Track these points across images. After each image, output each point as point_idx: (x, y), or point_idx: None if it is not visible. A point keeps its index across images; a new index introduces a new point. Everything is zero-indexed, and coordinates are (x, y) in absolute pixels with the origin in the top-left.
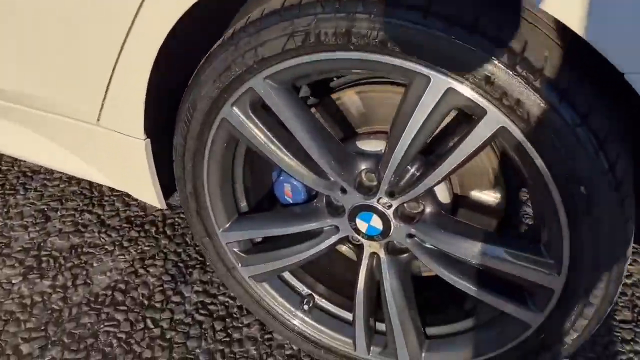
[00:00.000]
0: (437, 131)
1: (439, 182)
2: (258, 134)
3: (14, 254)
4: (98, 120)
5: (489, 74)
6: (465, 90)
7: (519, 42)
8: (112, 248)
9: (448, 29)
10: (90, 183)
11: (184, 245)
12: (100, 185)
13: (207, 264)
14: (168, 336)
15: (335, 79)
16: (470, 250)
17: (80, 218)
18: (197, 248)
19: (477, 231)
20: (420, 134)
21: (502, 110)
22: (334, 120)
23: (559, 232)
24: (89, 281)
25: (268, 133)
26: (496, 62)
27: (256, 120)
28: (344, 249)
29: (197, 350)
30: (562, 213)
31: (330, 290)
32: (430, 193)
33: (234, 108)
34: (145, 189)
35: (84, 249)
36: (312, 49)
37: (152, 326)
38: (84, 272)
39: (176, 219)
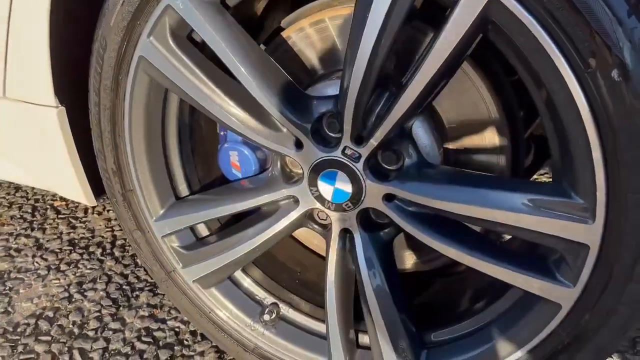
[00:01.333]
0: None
1: (415, 110)
2: (184, 72)
3: None
4: (4, 93)
5: None
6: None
7: None
8: (46, 272)
9: None
10: (34, 208)
11: (132, 267)
12: (45, 209)
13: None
14: None
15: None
16: (475, 204)
17: (13, 242)
18: None
19: (481, 178)
20: (382, 38)
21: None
22: (288, 65)
23: (589, 159)
24: (10, 309)
25: (197, 70)
26: None
27: (180, 54)
28: (315, 243)
29: None
30: (592, 129)
31: (301, 299)
32: (407, 138)
33: (152, 39)
34: (64, 173)
35: (12, 275)
36: None
37: (79, 359)
38: (6, 300)
39: (127, 240)
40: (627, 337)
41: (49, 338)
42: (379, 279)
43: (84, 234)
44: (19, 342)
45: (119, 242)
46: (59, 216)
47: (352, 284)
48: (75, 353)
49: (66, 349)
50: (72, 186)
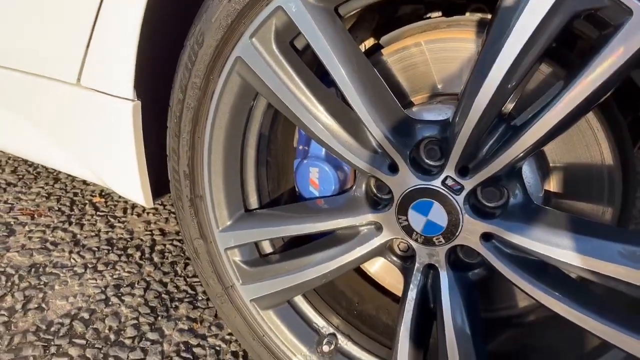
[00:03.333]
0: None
1: (534, 150)
2: (283, 78)
3: None
4: (78, 80)
5: None
6: None
7: None
8: (83, 271)
9: None
10: (72, 201)
11: (172, 275)
12: (83, 204)
13: (199, 298)
14: None
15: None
16: (585, 252)
17: (50, 235)
18: (188, 280)
19: (591, 225)
20: (511, 75)
21: None
22: (392, 80)
23: None
24: (44, 306)
25: (296, 78)
26: None
27: (281, 59)
28: (379, 275)
29: None
30: None
31: (359, 332)
32: (516, 176)
33: (254, 40)
34: (128, 171)
35: (47, 269)
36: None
37: None
38: (40, 295)
39: (167, 246)
40: None
41: (83, 342)
42: (461, 323)
43: (122, 234)
44: (52, 343)
45: (158, 248)
46: (98, 213)
47: (429, 327)
48: None
49: (101, 355)
50: (133, 185)
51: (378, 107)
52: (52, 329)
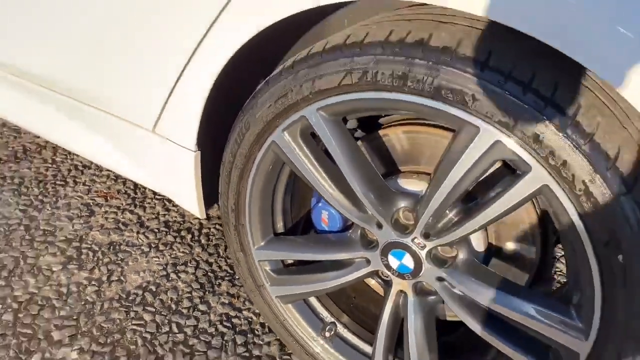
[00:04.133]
0: (479, 180)
1: (475, 231)
2: (304, 160)
3: (57, 242)
4: (154, 128)
5: (539, 133)
6: (513, 145)
7: (573, 104)
8: (148, 249)
9: (503, 84)
10: (135, 185)
11: (215, 256)
12: (144, 188)
13: (237, 277)
14: (190, 343)
15: (384, 115)
16: (499, 302)
17: (121, 216)
18: (228, 261)
19: (508, 284)
20: (463, 180)
21: (547, 169)
22: (379, 155)
23: (592, 298)
24: (123, 279)
25: (313, 160)
26: (547, 122)
27: (304, 147)
28: (372, 282)
29: None
30: (597, 279)
31: (354, 321)
32: (465, 240)
33: (285, 133)
34: (189, 198)
35: (122, 247)
36: (368, 87)
37: (176, 331)
38: (119, 270)
39: (212, 229)
40: None
41: (153, 309)
42: (419, 330)
43: (176, 217)
44: (131, 309)
45: (204, 231)
46: (156, 196)
47: (398, 326)
48: (174, 326)
49: (166, 321)
50: (191, 203)
51: (368, 185)
52: (130, 297)
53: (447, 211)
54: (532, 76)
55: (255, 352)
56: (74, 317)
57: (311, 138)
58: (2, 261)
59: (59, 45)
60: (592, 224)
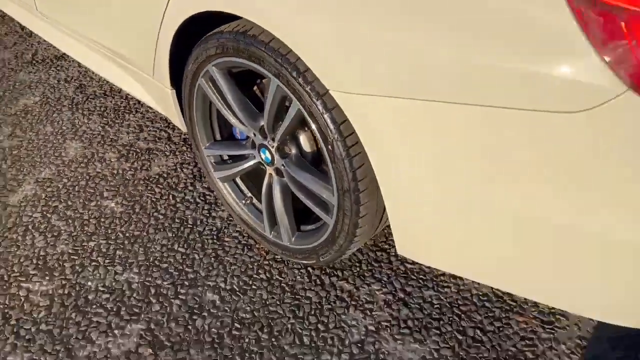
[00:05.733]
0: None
1: (286, 134)
2: (214, 97)
3: (118, 146)
4: (153, 76)
5: (289, 79)
6: (283, 86)
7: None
8: (167, 154)
9: (267, 50)
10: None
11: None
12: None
13: None
14: (179, 207)
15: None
16: (306, 180)
17: (151, 129)
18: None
19: (310, 168)
20: (272, 106)
21: (295, 98)
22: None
23: (328, 170)
24: (149, 169)
25: (219, 97)
26: (288, 72)
27: (213, 90)
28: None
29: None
30: (330, 163)
31: (258, 194)
32: (295, 142)
33: (202, 80)
34: (175, 118)
35: (152, 151)
36: (227, 55)
37: (173, 202)
38: (147, 164)
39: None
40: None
41: (161, 187)
42: (279, 198)
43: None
44: (150, 185)
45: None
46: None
47: (271, 196)
48: (170, 197)
49: (169, 196)
50: (177, 122)
51: (244, 110)
52: (151, 179)
53: (273, 124)
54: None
55: (213, 214)
56: (117, 187)
57: (215, 84)
58: (83, 153)
59: (98, 21)
60: (315, 121)
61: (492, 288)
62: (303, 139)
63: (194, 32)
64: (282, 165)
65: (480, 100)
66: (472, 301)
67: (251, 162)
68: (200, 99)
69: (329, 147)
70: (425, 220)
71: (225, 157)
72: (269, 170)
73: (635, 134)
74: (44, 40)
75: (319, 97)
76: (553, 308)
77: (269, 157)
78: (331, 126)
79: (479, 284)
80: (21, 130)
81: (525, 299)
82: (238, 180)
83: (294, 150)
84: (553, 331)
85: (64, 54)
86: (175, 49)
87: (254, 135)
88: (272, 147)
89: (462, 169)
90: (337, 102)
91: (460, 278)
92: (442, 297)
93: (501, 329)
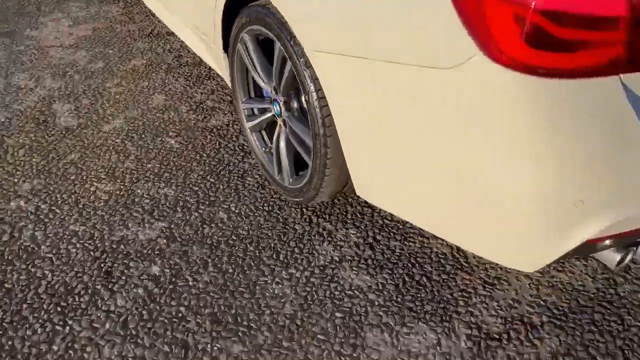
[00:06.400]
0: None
1: (286, 88)
2: (246, 59)
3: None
4: (214, 44)
5: (288, 45)
6: (283, 50)
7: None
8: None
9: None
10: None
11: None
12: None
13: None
14: (215, 142)
15: None
16: (300, 129)
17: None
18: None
19: (303, 120)
20: (276, 64)
21: (290, 60)
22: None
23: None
24: (169, 94)
25: (250, 59)
26: (289, 41)
27: (246, 53)
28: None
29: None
30: (307, 108)
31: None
32: (297, 98)
33: (239, 44)
34: (227, 77)
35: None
36: (252, 23)
37: (199, 132)
38: (172, 102)
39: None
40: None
41: (179, 115)
42: (284, 143)
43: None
44: (170, 100)
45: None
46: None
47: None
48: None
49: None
50: (229, 81)
51: (265, 72)
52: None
53: (279, 81)
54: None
55: (245, 160)
56: (180, 130)
57: (248, 47)
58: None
59: (185, 2)
60: (300, 77)
61: (452, 249)
62: (303, 96)
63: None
64: (287, 117)
65: (386, 57)
66: (430, 256)
67: (269, 115)
68: (239, 61)
69: (307, 97)
70: (369, 164)
71: (255, 111)
72: (279, 121)
73: (487, 89)
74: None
75: (302, 56)
76: (500, 274)
77: (279, 109)
78: (308, 80)
79: (442, 244)
80: (126, 82)
81: (477, 261)
82: (263, 132)
83: (295, 105)
84: (491, 291)
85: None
86: (226, 21)
87: (271, 91)
88: (281, 101)
89: (387, 119)
90: (310, 60)
91: (427, 237)
92: (405, 249)
93: (446, 280)
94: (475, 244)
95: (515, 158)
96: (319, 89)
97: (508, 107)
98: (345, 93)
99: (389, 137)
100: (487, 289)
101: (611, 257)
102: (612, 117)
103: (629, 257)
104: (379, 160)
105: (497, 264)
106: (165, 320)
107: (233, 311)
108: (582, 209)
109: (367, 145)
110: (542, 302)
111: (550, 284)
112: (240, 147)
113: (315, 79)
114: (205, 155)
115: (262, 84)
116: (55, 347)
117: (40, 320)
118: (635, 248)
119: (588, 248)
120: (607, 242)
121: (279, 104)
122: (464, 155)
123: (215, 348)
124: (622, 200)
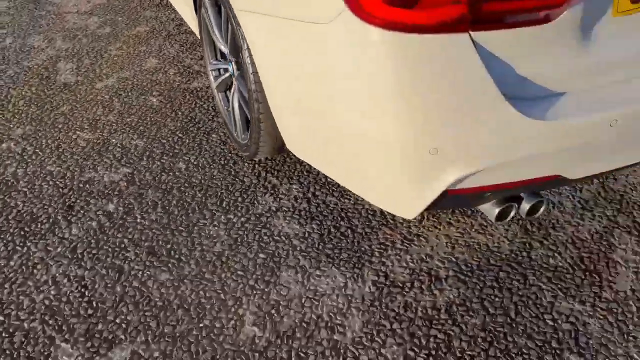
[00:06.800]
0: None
1: (231, 47)
2: (208, 22)
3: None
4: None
5: (227, 5)
6: (228, 10)
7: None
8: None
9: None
10: None
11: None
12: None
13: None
14: (196, 108)
15: None
16: (243, 86)
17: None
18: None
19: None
20: (223, 25)
21: (231, 20)
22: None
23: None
24: (174, 71)
25: (210, 22)
26: (227, 2)
27: (208, 16)
28: None
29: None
30: (243, 65)
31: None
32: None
33: (203, 9)
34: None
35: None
36: None
37: (189, 101)
38: (178, 83)
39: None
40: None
41: (164, 88)
42: (237, 100)
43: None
44: (185, 76)
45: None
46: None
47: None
48: (181, 99)
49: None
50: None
51: (221, 33)
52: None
53: (226, 42)
54: None
55: (215, 119)
56: (164, 90)
57: (209, 10)
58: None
59: None
60: (237, 36)
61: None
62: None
63: None
64: (237, 75)
65: (280, 13)
66: (361, 213)
67: (228, 74)
68: (204, 24)
69: (241, 54)
70: (291, 117)
71: (221, 72)
72: (234, 80)
73: (352, 43)
74: None
75: (235, 16)
76: (421, 232)
77: (232, 69)
78: (241, 39)
79: None
80: (126, 46)
81: (403, 219)
82: (228, 92)
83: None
84: (408, 246)
85: None
86: None
87: (228, 52)
88: (233, 61)
89: (300, 74)
90: (238, 19)
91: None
92: (338, 205)
93: (368, 233)
94: (368, 192)
95: (378, 107)
96: (248, 47)
97: (369, 59)
98: (264, 49)
99: (302, 91)
100: (405, 244)
101: (491, 210)
102: (464, 71)
103: (512, 213)
104: (298, 113)
105: (418, 222)
106: (109, 249)
107: (169, 246)
108: (438, 158)
109: (288, 99)
110: (453, 259)
111: (467, 244)
112: (213, 107)
113: (244, 38)
114: (180, 113)
115: (220, 46)
116: (12, 263)
117: (4, 241)
118: (516, 204)
119: (456, 199)
120: (484, 195)
121: (232, 64)
122: (349, 107)
123: (145, 275)
124: (476, 152)
